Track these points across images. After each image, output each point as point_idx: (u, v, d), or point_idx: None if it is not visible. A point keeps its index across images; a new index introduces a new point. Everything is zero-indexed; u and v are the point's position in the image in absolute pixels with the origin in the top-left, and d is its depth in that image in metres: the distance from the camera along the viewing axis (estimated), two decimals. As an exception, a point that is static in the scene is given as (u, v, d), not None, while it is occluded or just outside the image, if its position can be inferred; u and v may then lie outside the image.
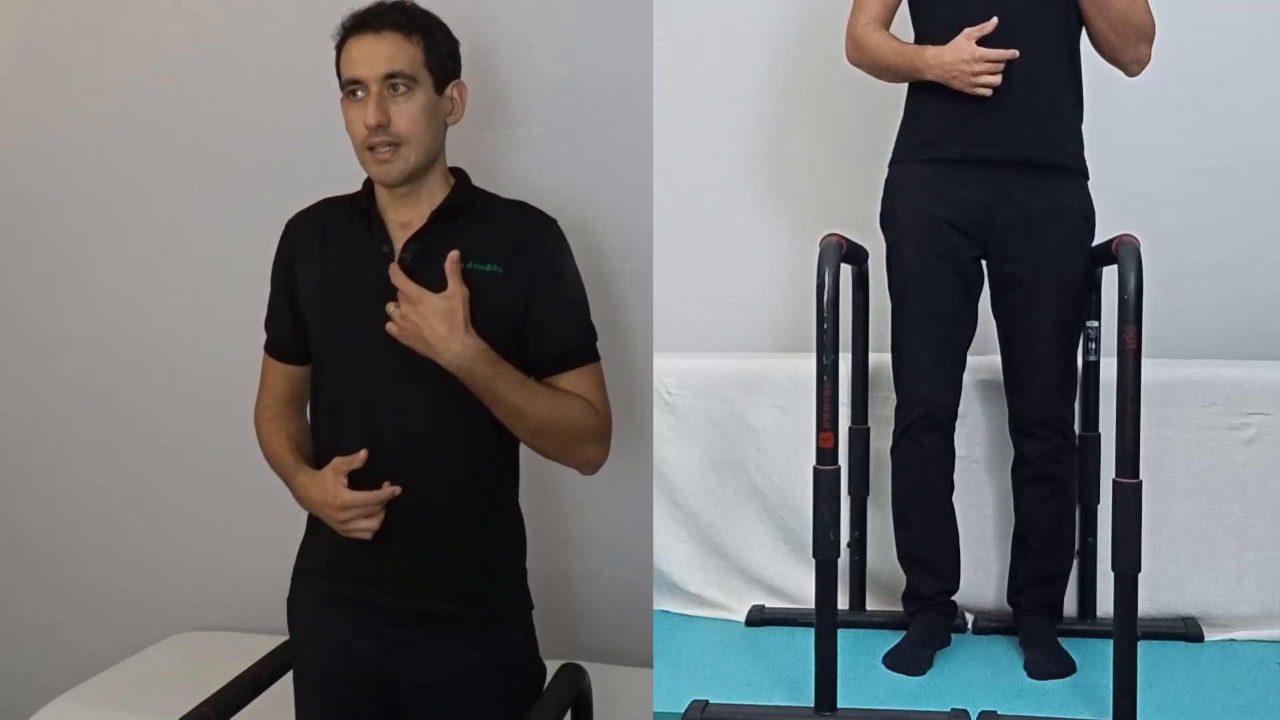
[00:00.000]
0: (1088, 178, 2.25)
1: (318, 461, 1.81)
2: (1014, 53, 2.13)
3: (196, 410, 2.67)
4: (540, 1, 2.35)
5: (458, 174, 1.84)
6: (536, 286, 1.75)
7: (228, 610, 2.73)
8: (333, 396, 1.79)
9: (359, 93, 1.72)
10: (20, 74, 2.75)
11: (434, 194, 1.79)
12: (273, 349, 1.90)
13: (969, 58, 2.13)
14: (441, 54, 1.78)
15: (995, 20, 2.13)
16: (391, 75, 1.71)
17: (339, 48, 1.77)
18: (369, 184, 1.82)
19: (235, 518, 2.68)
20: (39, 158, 2.75)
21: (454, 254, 1.68)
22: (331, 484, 1.71)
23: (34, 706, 2.40)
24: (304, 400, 1.88)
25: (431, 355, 1.66)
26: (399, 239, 1.76)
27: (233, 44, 2.57)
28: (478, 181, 1.85)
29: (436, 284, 1.69)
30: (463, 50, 1.83)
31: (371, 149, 1.72)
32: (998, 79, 2.14)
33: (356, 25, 1.75)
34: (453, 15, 1.82)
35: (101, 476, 2.79)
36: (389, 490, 1.71)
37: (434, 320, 1.64)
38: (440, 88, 1.77)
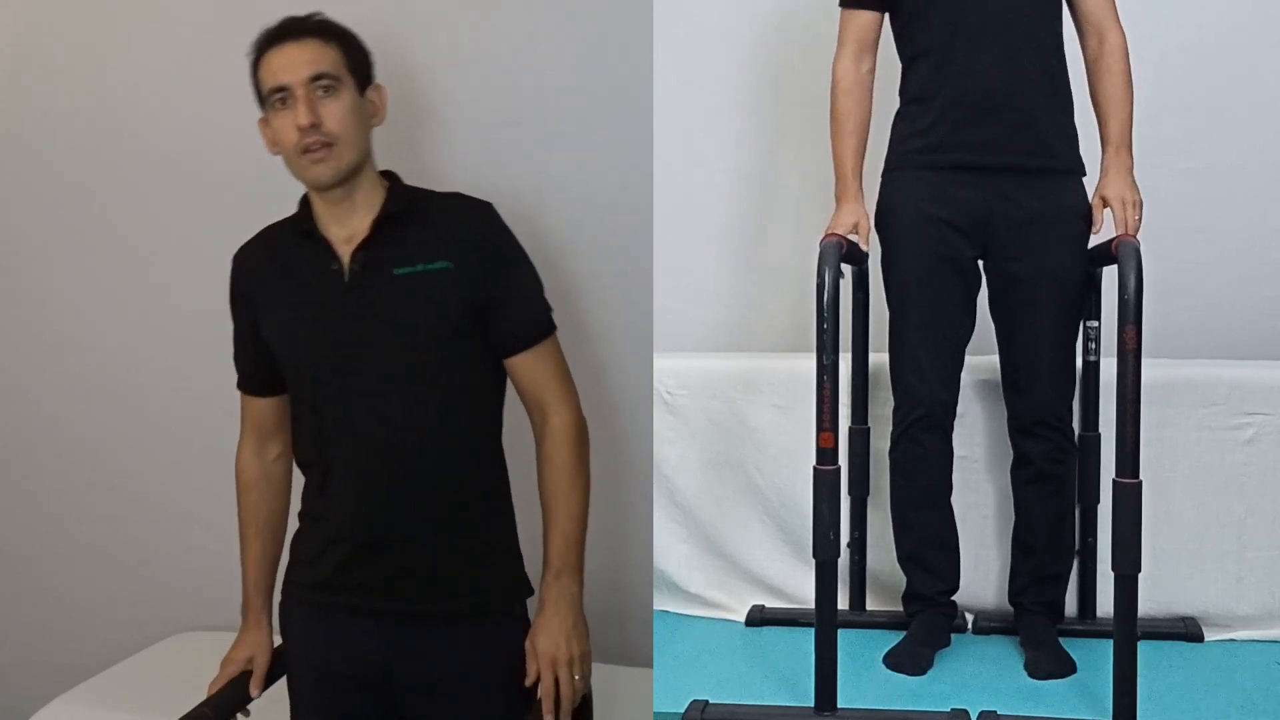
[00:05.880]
0: (1084, 174, 2.25)
1: (308, 485, 1.83)
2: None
3: (197, 410, 2.66)
4: (540, 2, 2.35)
5: (390, 177, 1.84)
6: (491, 273, 1.75)
7: (228, 610, 2.71)
8: (313, 420, 1.79)
9: (285, 100, 1.72)
10: (21, 73, 2.74)
11: (371, 200, 1.78)
12: (245, 383, 1.91)
13: (846, 230, 2.23)
14: (358, 57, 1.79)
15: None
16: (318, 76, 1.71)
17: (256, 63, 1.77)
18: (305, 204, 1.82)
19: (235, 518, 2.68)
20: (40, 156, 2.74)
21: None
22: (233, 665, 1.91)
23: (34, 706, 2.39)
24: (287, 425, 1.89)
25: None
26: (345, 254, 1.75)
27: (239, 42, 2.56)
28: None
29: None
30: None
31: (305, 151, 1.71)
32: None
33: (274, 38, 1.76)
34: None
35: (102, 476, 2.78)
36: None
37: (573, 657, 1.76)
38: (361, 89, 1.78)
